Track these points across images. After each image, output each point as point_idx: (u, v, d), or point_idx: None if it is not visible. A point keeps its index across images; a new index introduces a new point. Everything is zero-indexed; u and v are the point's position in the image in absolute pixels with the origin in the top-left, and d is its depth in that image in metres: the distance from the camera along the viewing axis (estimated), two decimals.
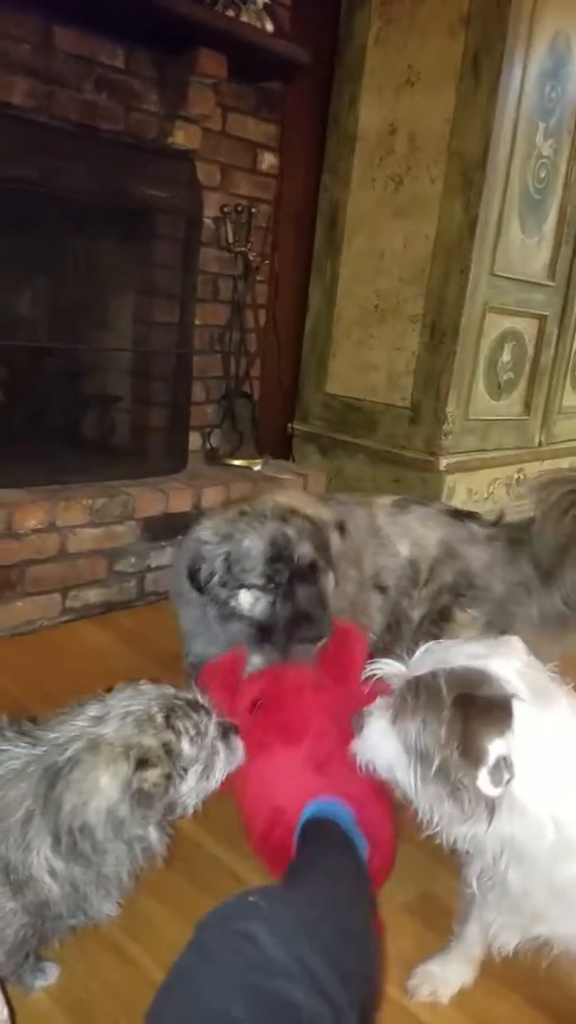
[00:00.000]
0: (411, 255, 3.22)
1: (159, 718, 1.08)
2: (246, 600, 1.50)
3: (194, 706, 1.13)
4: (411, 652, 1.12)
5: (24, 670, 2.20)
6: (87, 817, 1.03)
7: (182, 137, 2.73)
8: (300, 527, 1.51)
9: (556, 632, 1.83)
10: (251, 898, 0.92)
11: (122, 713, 1.08)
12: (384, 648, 1.77)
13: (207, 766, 1.12)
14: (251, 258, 3.07)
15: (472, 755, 0.99)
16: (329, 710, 1.46)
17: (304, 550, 1.49)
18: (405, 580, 1.77)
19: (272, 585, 1.49)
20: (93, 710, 1.11)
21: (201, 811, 1.15)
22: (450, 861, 1.13)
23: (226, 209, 3.00)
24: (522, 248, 3.27)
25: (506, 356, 3.43)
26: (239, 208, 3.01)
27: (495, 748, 0.98)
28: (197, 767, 1.10)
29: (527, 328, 3.49)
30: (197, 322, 2.96)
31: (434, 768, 1.01)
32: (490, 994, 1.33)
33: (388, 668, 1.12)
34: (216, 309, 3.12)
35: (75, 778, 1.04)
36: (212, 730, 1.13)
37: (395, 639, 1.79)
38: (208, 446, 3.22)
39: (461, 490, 3.36)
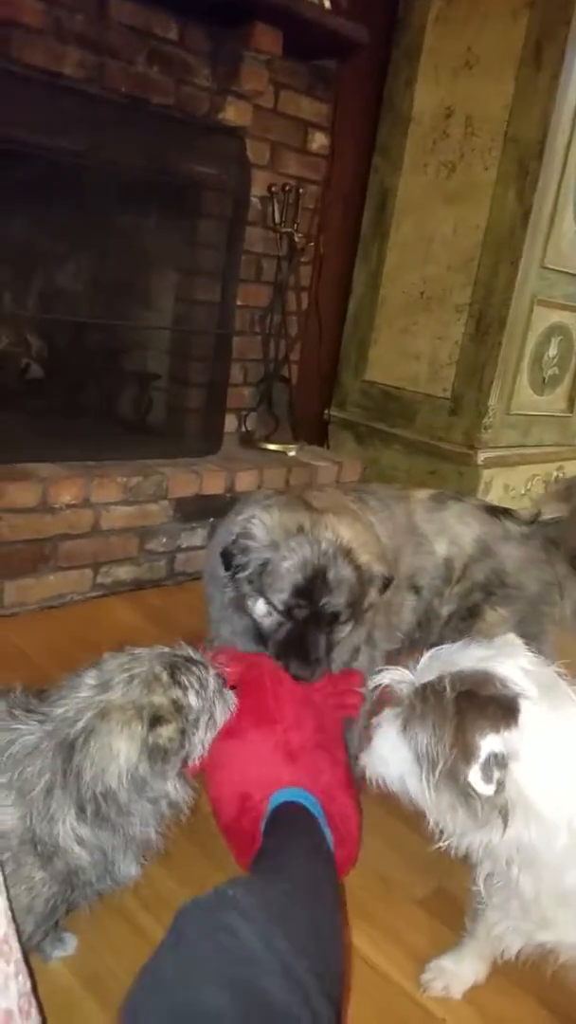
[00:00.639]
0: (460, 243, 3.16)
1: (164, 676, 1.10)
2: (260, 609, 1.49)
3: (193, 661, 1.16)
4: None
5: (52, 642, 2.22)
6: (108, 782, 1.05)
7: (233, 113, 2.68)
8: (343, 577, 1.45)
9: None
10: (229, 892, 0.94)
11: (126, 677, 1.10)
12: (411, 645, 1.75)
13: (211, 716, 1.16)
14: (296, 239, 3.02)
15: (464, 751, 0.97)
16: (310, 702, 1.45)
17: (335, 601, 1.45)
18: (439, 580, 1.74)
19: (288, 613, 1.47)
20: (91, 678, 1.12)
21: None
22: (465, 858, 1.12)
23: (274, 188, 2.95)
24: (574, 241, 3.19)
25: (552, 350, 3.36)
26: (287, 188, 2.96)
27: (488, 744, 0.96)
28: (204, 717, 1.14)
29: (575, 323, 3.41)
30: (239, 303, 2.93)
31: (439, 772, 1.00)
32: (502, 992, 1.33)
33: (394, 675, 1.10)
34: (258, 290, 3.09)
35: (92, 747, 1.05)
36: (212, 682, 1.16)
37: (423, 636, 1.76)
38: (244, 429, 3.20)
39: (498, 485, 3.31)
